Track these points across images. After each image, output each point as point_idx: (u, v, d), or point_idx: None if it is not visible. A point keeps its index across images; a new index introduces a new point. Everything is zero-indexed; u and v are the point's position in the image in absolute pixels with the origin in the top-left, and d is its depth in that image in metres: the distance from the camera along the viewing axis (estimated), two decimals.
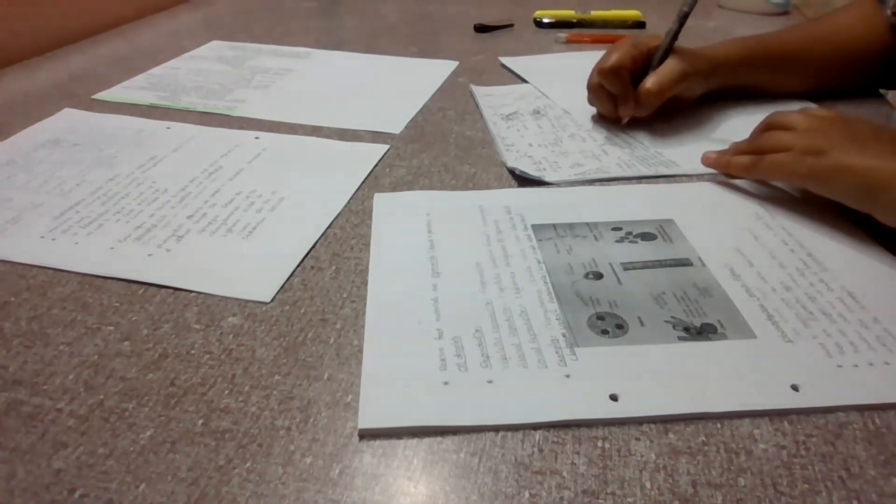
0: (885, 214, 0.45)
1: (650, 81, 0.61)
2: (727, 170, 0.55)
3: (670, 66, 0.62)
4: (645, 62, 0.63)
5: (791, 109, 0.55)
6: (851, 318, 0.40)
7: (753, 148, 0.53)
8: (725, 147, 0.57)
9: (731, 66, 0.66)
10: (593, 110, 0.67)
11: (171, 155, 0.60)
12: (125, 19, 1.01)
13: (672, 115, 0.66)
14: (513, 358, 0.37)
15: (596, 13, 1.01)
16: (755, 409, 0.34)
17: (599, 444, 0.32)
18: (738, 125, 0.65)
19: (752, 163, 0.52)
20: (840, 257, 0.45)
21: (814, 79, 0.69)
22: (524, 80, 0.78)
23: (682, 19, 0.62)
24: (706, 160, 0.56)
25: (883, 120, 0.66)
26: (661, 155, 0.60)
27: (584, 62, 0.66)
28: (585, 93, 0.65)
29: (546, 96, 0.73)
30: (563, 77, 0.77)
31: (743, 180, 0.54)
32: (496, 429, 0.33)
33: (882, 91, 0.73)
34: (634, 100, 0.62)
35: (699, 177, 0.56)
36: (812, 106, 0.66)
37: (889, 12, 0.67)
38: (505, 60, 0.84)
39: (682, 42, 0.94)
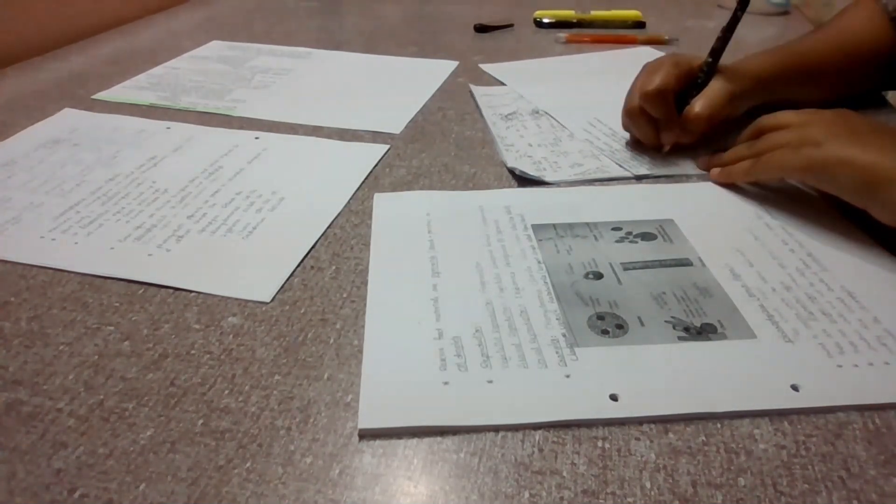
0: (882, 211, 0.44)
1: (698, 104, 0.57)
2: (730, 179, 0.54)
3: (717, 88, 0.58)
4: (687, 82, 0.59)
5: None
6: (851, 318, 0.40)
7: (752, 153, 0.53)
8: (724, 149, 0.57)
9: (769, 82, 0.62)
10: (582, 112, 0.67)
11: (171, 155, 0.60)
12: (125, 19, 1.01)
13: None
14: (513, 358, 0.37)
15: (596, 13, 1.01)
16: (755, 409, 0.34)
17: (599, 444, 0.32)
18: (739, 125, 0.65)
19: (752, 165, 0.52)
20: (840, 257, 0.45)
21: (835, 88, 0.67)
22: (503, 84, 0.77)
23: (728, 34, 0.58)
24: (712, 175, 0.55)
25: (883, 120, 0.66)
26: (660, 154, 0.60)
27: (570, 65, 0.66)
28: (570, 95, 0.64)
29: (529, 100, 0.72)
30: (547, 80, 0.77)
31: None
32: (496, 429, 0.33)
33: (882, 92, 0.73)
34: (679, 125, 0.58)
35: (699, 177, 0.56)
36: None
37: (891, 8, 0.67)
38: (487, 67, 0.82)
39: (682, 42, 0.94)
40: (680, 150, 0.60)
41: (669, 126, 0.58)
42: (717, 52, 0.59)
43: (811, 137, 0.47)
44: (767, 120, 0.53)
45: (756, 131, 0.54)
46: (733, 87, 0.58)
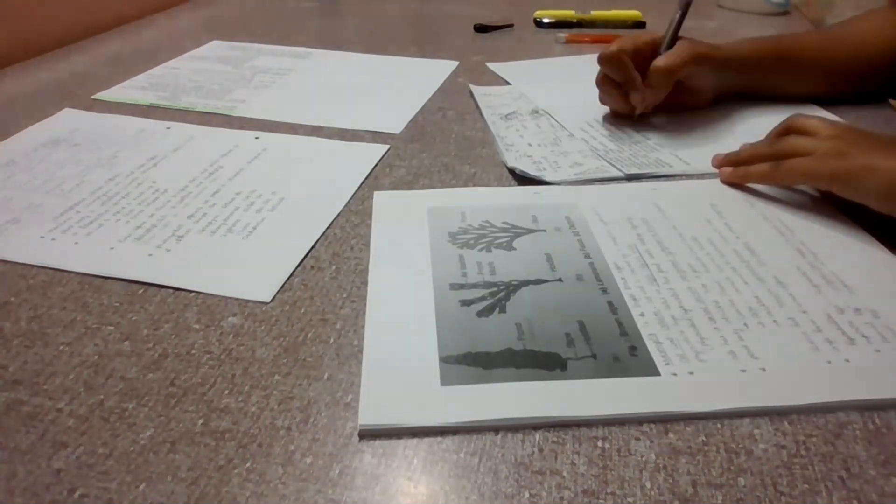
0: None
1: (661, 59, 0.61)
2: (746, 180, 0.54)
3: (682, 46, 0.62)
4: (649, 53, 0.62)
5: (803, 113, 0.54)
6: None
7: (772, 153, 0.52)
8: (730, 148, 0.56)
9: (745, 64, 0.65)
10: (582, 112, 0.67)
11: (171, 155, 0.60)
12: (125, 19, 1.01)
13: (677, 114, 0.66)
14: None
15: (596, 13, 1.01)
16: (755, 409, 0.34)
17: (599, 444, 0.32)
18: (742, 125, 0.65)
19: (771, 169, 0.51)
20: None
21: (828, 82, 0.67)
22: (508, 83, 0.77)
23: (685, 7, 0.62)
24: (724, 175, 0.55)
25: (885, 122, 0.66)
26: (660, 154, 0.60)
27: (576, 65, 0.67)
28: (573, 95, 0.65)
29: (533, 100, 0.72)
30: (552, 80, 0.77)
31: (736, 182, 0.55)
32: (496, 429, 0.33)
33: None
34: (644, 86, 0.61)
35: (700, 176, 0.56)
36: (824, 112, 0.65)
37: None
38: (493, 66, 0.83)
39: None
40: (685, 149, 0.60)
41: (632, 87, 0.61)
42: (678, 20, 0.62)
43: (837, 149, 0.48)
44: (797, 121, 0.53)
45: (785, 130, 0.54)
46: (700, 48, 0.62)
